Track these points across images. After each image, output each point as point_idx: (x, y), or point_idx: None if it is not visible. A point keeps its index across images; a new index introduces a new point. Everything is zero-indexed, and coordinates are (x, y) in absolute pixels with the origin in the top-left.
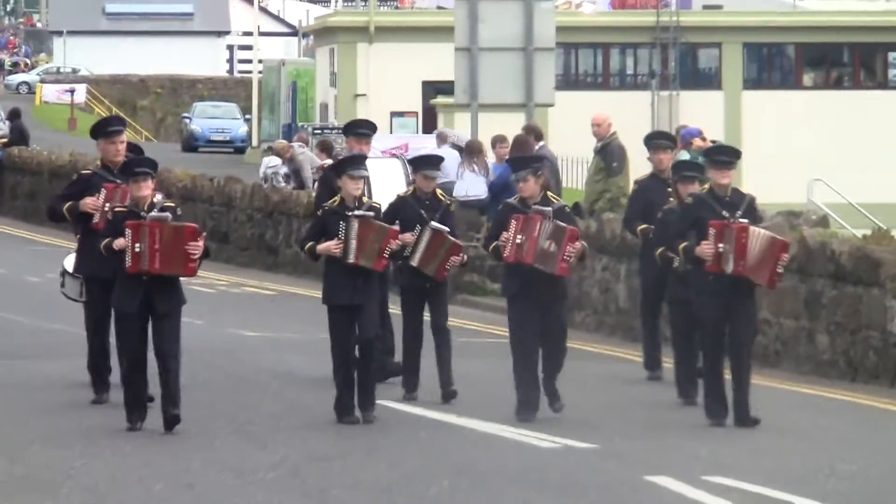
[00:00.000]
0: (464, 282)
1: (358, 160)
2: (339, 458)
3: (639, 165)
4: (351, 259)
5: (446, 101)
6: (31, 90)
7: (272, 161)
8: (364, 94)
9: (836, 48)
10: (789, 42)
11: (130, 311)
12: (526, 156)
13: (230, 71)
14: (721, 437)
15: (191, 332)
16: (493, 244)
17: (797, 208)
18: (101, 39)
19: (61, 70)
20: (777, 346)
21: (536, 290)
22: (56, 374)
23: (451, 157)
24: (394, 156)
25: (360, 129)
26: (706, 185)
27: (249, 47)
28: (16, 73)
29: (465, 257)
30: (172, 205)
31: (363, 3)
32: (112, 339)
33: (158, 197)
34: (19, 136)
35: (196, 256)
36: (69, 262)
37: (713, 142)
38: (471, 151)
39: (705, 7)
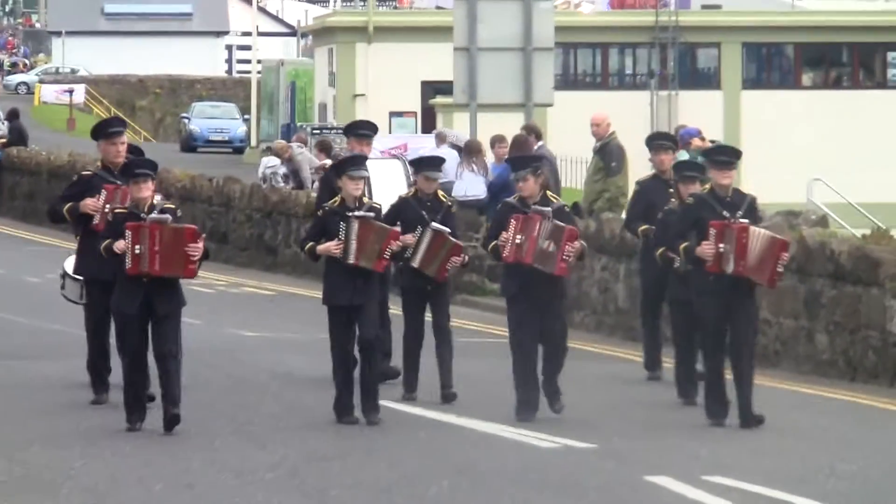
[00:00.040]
0: (463, 282)
1: (358, 161)
2: (339, 459)
3: (638, 165)
4: (351, 260)
5: (445, 101)
6: (29, 90)
7: (271, 161)
8: (363, 94)
9: (835, 48)
10: (788, 42)
11: (130, 313)
12: (526, 155)
13: (229, 71)
14: (721, 437)
15: (190, 333)
16: (493, 243)
17: (796, 208)
18: (99, 40)
19: (60, 70)
20: (776, 346)
21: (536, 290)
22: (55, 375)
23: (449, 157)
24: (395, 156)
25: (362, 130)
26: (707, 186)
27: (248, 47)
28: (14, 73)
29: (467, 258)
30: (173, 206)
31: (362, 3)
32: (112, 340)
33: (158, 198)
34: (18, 136)
35: (196, 258)
36: (69, 264)
37: (712, 142)
38: (470, 151)
39: (704, 7)
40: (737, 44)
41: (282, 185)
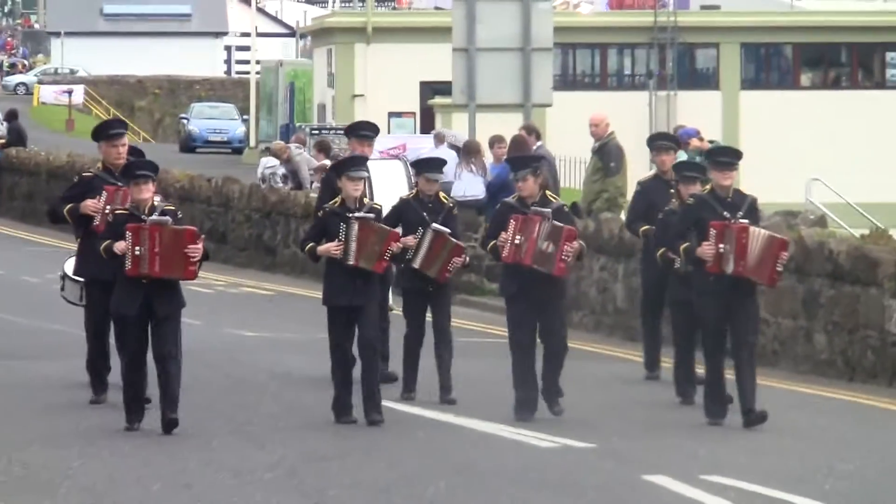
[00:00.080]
0: (462, 281)
1: (358, 161)
2: (338, 458)
3: (637, 166)
4: (351, 261)
5: (444, 101)
6: (28, 91)
7: (270, 161)
8: (362, 95)
9: (833, 48)
10: (787, 42)
11: (130, 315)
12: (525, 155)
13: (228, 72)
14: (719, 437)
15: (189, 333)
16: (492, 243)
17: (795, 208)
18: (98, 40)
19: (59, 71)
20: (775, 346)
21: (535, 289)
22: (55, 375)
23: (448, 158)
24: (395, 157)
25: (363, 131)
26: (708, 186)
27: (247, 48)
28: (13, 74)
29: (468, 259)
30: (173, 208)
31: (360, 4)
32: (112, 340)
33: (158, 200)
34: (17, 136)
35: (196, 259)
36: (69, 266)
37: (711, 142)
38: (468, 152)
39: (703, 7)
40: (735, 44)
41: (280, 185)
